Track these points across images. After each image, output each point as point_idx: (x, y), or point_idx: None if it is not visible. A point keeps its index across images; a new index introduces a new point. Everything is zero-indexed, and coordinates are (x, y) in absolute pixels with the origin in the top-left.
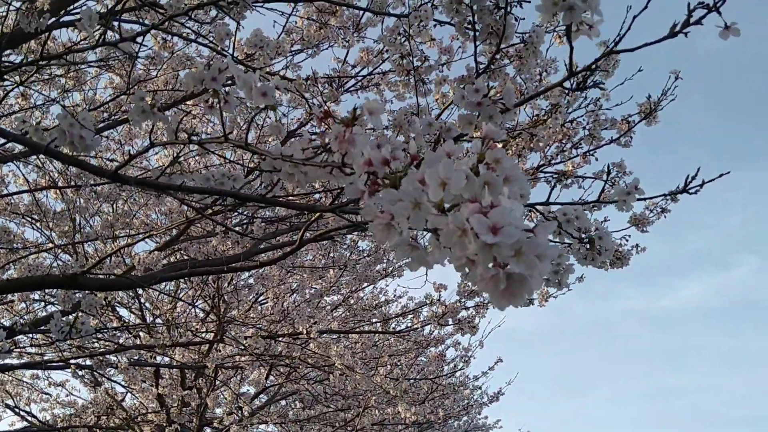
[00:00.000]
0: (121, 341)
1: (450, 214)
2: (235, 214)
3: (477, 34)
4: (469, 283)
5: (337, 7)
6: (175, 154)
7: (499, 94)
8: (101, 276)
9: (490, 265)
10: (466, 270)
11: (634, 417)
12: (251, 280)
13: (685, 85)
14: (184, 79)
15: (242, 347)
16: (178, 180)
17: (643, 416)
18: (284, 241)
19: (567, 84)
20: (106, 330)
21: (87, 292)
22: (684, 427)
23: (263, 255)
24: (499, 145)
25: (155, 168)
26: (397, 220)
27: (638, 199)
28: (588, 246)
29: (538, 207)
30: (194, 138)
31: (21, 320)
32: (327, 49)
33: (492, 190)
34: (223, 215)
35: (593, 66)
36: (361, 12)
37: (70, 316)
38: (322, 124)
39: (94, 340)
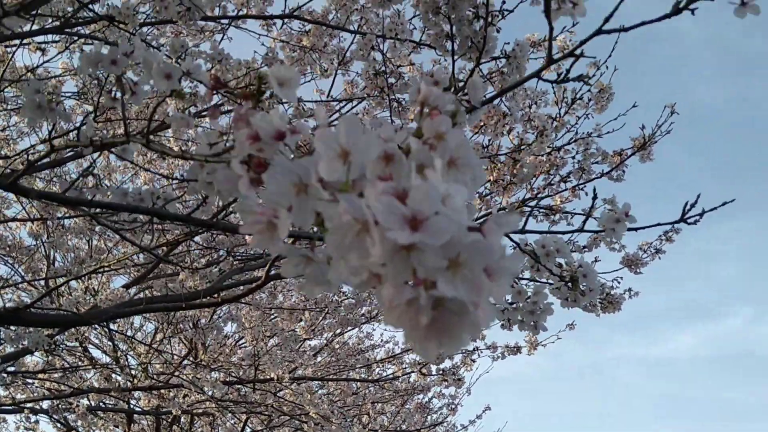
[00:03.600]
0: (86, 383)
1: (342, 195)
2: (205, 249)
3: (455, 48)
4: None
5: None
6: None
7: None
8: (47, 311)
9: (408, 282)
10: (371, 291)
11: None
12: (229, 325)
13: (680, 130)
14: (80, 62)
15: (199, 392)
16: (90, 195)
17: None
18: (250, 278)
19: (550, 76)
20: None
21: (32, 328)
22: None
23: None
24: (446, 116)
25: (63, 180)
26: (278, 215)
27: (629, 229)
28: (570, 285)
29: (511, 236)
30: (96, 139)
31: None
32: (308, 81)
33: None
34: (197, 251)
35: (576, 51)
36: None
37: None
38: (213, 96)
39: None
